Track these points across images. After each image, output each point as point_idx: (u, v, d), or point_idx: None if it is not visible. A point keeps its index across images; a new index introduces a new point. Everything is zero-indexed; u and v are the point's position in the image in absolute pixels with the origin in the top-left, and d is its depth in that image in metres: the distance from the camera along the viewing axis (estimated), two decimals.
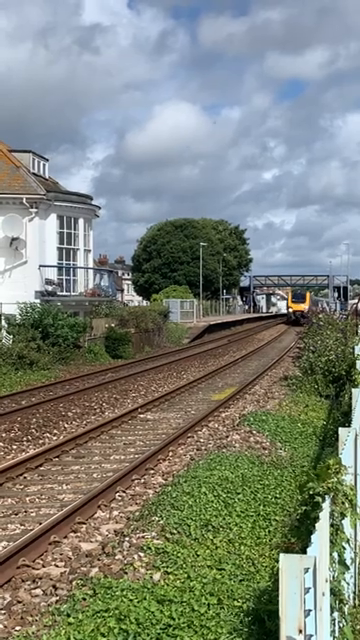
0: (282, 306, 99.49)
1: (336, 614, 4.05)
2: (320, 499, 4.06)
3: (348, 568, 4.52)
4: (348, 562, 4.58)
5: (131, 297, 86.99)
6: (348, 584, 4.77)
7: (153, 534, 7.09)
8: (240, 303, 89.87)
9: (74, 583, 6.01)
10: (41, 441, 12.66)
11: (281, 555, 2.79)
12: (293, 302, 70.31)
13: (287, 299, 78.52)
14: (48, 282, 29.88)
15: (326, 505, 3.86)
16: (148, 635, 4.91)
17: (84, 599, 5.56)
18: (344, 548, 4.34)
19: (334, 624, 4.00)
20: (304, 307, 64.55)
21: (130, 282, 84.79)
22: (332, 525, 4.11)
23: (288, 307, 72.75)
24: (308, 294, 72.32)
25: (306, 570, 2.82)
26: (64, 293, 31.04)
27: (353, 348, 18.06)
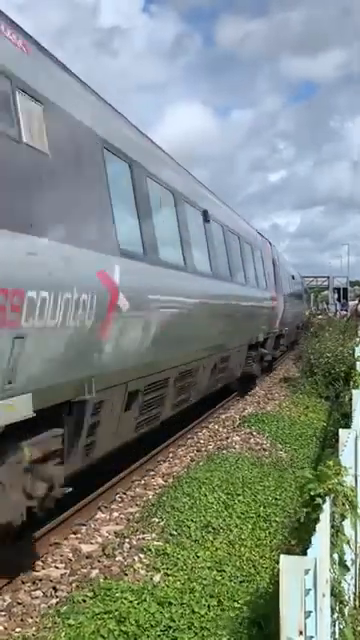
0: None
1: (336, 615, 4.05)
2: (320, 500, 4.05)
3: (348, 569, 4.52)
4: (348, 563, 4.57)
5: None
6: (348, 585, 4.76)
7: (153, 535, 7.09)
8: None
9: (74, 585, 6.00)
10: None
11: (281, 556, 2.79)
12: None
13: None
14: None
15: (326, 506, 3.85)
16: (148, 637, 4.90)
17: (84, 601, 5.55)
18: (344, 549, 4.33)
19: (334, 625, 3.99)
20: None
21: None
22: (332, 526, 4.10)
23: None
24: None
25: (306, 571, 2.81)
26: None
27: (353, 349, 18.07)
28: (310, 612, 2.93)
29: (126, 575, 6.13)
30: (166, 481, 9.53)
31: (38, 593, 6.01)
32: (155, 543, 6.85)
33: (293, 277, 32.22)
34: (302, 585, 2.71)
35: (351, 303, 68.41)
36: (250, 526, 7.37)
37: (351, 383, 12.35)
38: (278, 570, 2.80)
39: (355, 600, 5.52)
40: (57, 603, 5.69)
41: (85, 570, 6.38)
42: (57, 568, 6.60)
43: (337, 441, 5.90)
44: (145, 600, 5.39)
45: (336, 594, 3.98)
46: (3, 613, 5.63)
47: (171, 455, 11.24)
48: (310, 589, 2.94)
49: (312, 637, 3.01)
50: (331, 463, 4.62)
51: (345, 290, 80.00)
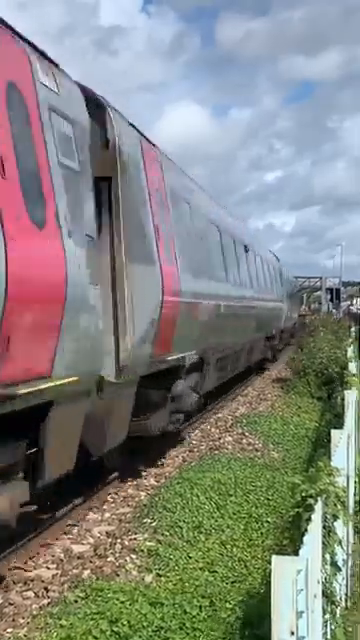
0: None
1: (328, 616, 4.05)
2: (312, 501, 4.06)
3: (340, 570, 4.53)
4: (340, 564, 4.58)
5: None
6: (340, 586, 4.77)
7: (145, 536, 7.07)
8: None
9: (66, 585, 5.98)
10: None
11: (273, 557, 2.79)
12: None
13: None
14: None
15: (318, 507, 3.86)
16: (140, 637, 4.89)
17: (76, 601, 5.53)
18: (336, 550, 4.34)
19: (326, 626, 4.00)
20: None
21: None
22: (324, 527, 4.11)
23: None
24: None
25: (298, 572, 2.81)
26: None
27: (346, 350, 18.10)
28: (302, 612, 2.93)
29: (118, 576, 6.12)
30: (158, 481, 9.52)
31: (30, 594, 5.99)
32: (147, 544, 6.84)
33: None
34: (294, 585, 2.71)
35: (344, 304, 68.45)
36: (242, 526, 7.37)
37: (340, 384, 12.38)
38: (270, 570, 2.80)
39: (346, 600, 5.53)
40: (49, 604, 5.67)
41: (77, 571, 6.37)
42: (48, 569, 6.58)
43: (329, 441, 5.91)
44: (137, 601, 5.38)
45: (328, 595, 3.98)
46: None
47: (163, 455, 11.22)
48: (302, 589, 2.94)
49: (304, 638, 3.01)
50: (322, 464, 4.63)
51: (338, 291, 79.94)
